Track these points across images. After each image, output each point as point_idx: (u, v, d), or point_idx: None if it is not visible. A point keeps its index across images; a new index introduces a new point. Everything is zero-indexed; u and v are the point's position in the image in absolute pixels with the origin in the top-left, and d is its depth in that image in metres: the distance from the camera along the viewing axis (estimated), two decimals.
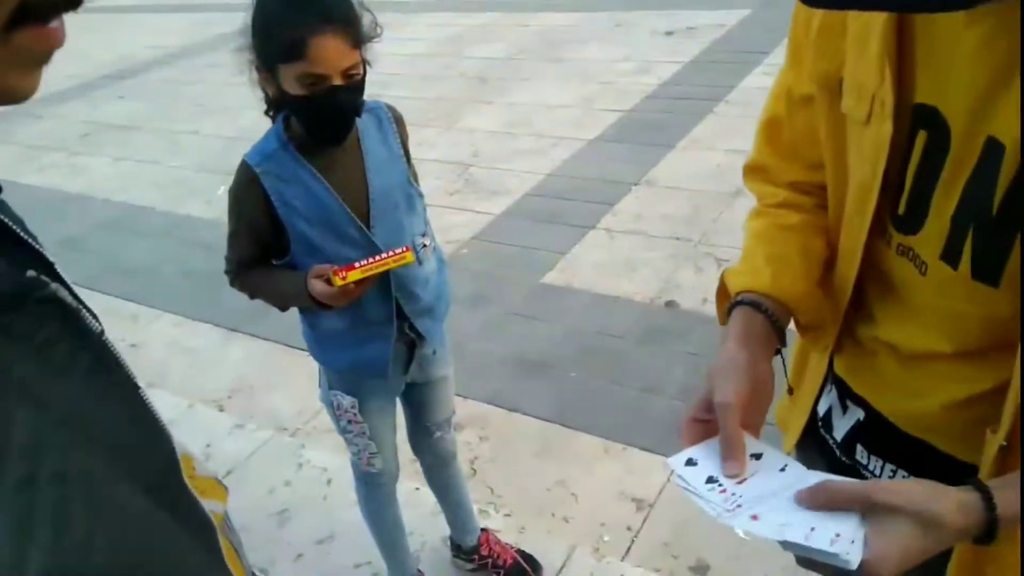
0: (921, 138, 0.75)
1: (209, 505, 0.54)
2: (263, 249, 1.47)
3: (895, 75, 0.74)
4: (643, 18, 7.44)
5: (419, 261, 1.51)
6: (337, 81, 1.27)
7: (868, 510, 0.69)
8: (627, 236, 3.74)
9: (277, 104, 1.38)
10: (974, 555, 0.82)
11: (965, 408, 0.81)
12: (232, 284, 1.51)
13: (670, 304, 3.15)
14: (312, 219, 1.41)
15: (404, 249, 1.34)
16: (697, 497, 0.76)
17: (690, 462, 0.78)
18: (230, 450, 2.57)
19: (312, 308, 1.42)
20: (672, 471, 0.79)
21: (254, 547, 2.15)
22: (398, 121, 1.51)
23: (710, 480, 0.76)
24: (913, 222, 0.79)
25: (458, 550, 2.05)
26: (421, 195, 1.56)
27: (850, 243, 0.86)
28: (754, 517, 0.72)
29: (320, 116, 1.32)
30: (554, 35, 7.36)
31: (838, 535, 0.68)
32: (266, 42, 1.29)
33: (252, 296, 1.51)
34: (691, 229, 3.70)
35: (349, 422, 1.66)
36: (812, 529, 0.69)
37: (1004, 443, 0.75)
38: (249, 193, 1.40)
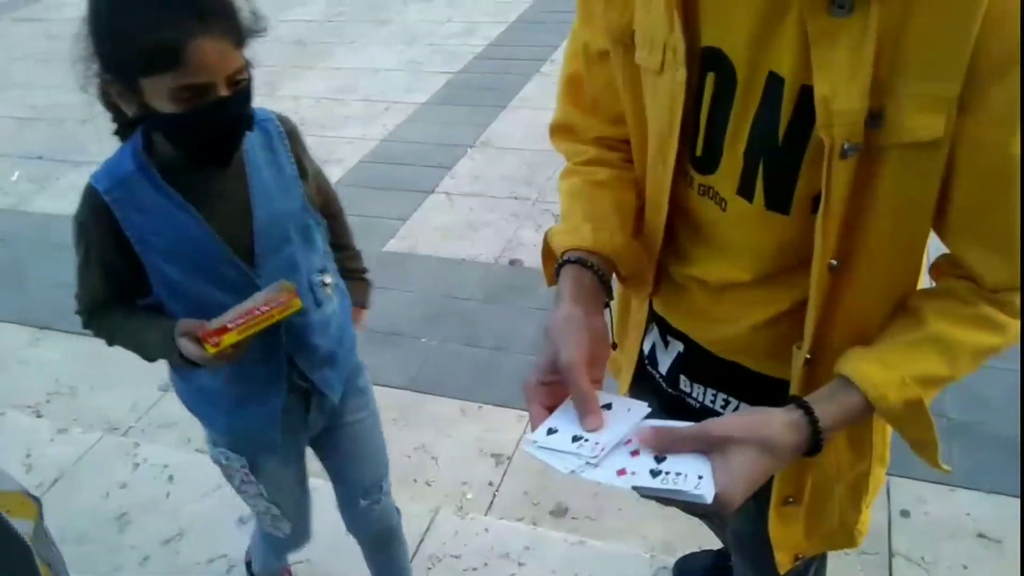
0: (710, 80, 0.79)
1: (19, 524, 0.48)
2: (120, 287, 1.21)
3: (683, 22, 0.77)
4: None
5: (317, 303, 1.29)
6: (222, 91, 1.04)
7: (709, 447, 0.72)
8: (467, 199, 3.75)
9: (137, 122, 1.12)
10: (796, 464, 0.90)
11: (769, 328, 0.88)
12: (85, 327, 1.25)
13: (514, 263, 3.21)
14: (178, 258, 1.17)
15: (288, 295, 1.14)
16: (558, 461, 0.76)
17: (551, 431, 0.78)
18: (55, 457, 2.33)
19: (183, 366, 1.18)
20: (528, 443, 0.78)
21: (94, 556, 1.98)
22: (291, 134, 1.26)
23: (576, 439, 0.77)
24: (710, 162, 0.83)
25: None
26: (320, 223, 1.31)
27: (656, 190, 0.90)
28: (621, 472, 0.74)
29: (204, 135, 1.08)
30: None
31: (686, 475, 0.71)
32: (119, 50, 1.03)
33: (110, 343, 1.25)
34: (529, 188, 3.77)
35: (242, 482, 1.40)
36: (665, 473, 0.72)
37: (808, 356, 0.83)
38: (98, 224, 1.14)
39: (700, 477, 0.71)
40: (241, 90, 1.07)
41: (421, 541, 1.99)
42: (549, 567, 1.91)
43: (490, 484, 2.25)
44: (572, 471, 0.74)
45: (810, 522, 0.99)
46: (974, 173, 0.70)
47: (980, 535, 1.97)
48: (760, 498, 0.97)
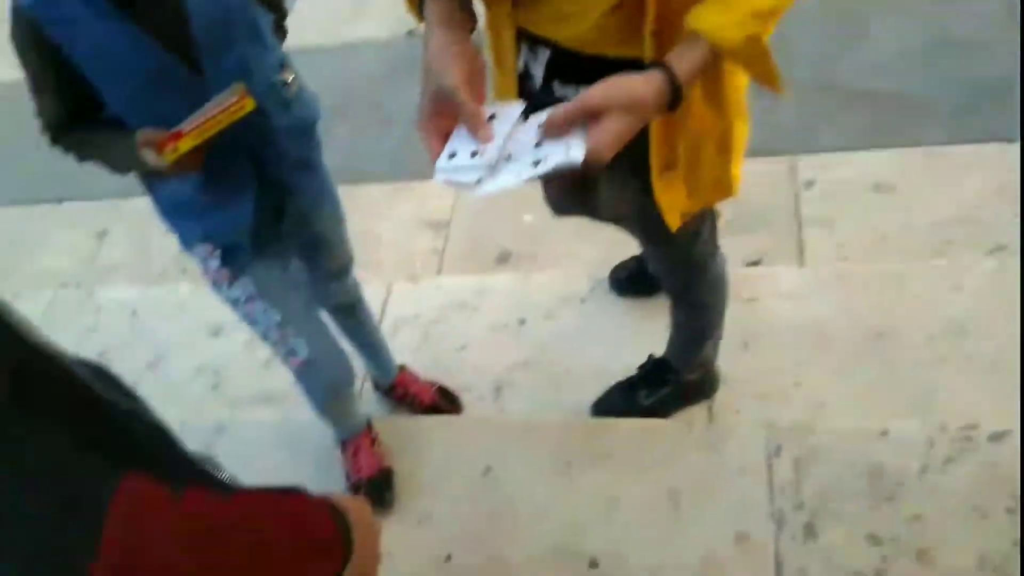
0: None
1: None
2: (77, 104, 1.17)
3: None
4: None
5: (284, 105, 1.25)
6: None
7: (586, 117, 0.80)
8: None
9: None
10: (664, 121, 1.00)
11: (616, 13, 0.93)
12: (53, 145, 1.22)
13: (411, 33, 3.12)
14: (120, 71, 1.12)
15: (239, 96, 1.08)
16: (462, 176, 0.84)
17: (452, 156, 0.85)
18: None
19: (150, 176, 1.18)
20: (436, 173, 0.85)
21: None
22: None
23: (473, 154, 0.84)
24: None
25: (377, 387, 1.94)
26: (266, 15, 1.22)
27: None
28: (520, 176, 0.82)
29: None
30: None
31: (559, 150, 0.81)
32: None
33: (80, 160, 1.23)
34: None
35: (228, 285, 1.37)
36: (545, 156, 0.81)
37: (654, 28, 0.90)
38: (34, 44, 1.10)
39: (569, 147, 0.80)
40: None
41: (383, 311, 2.15)
42: (500, 304, 2.09)
43: (434, 251, 2.39)
44: (478, 180, 0.82)
45: (689, 183, 1.12)
46: None
47: (876, 186, 2.17)
48: (642, 175, 1.09)
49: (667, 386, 1.72)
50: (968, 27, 2.49)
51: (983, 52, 2.40)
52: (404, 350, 1.98)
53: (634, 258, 1.96)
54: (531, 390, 1.91)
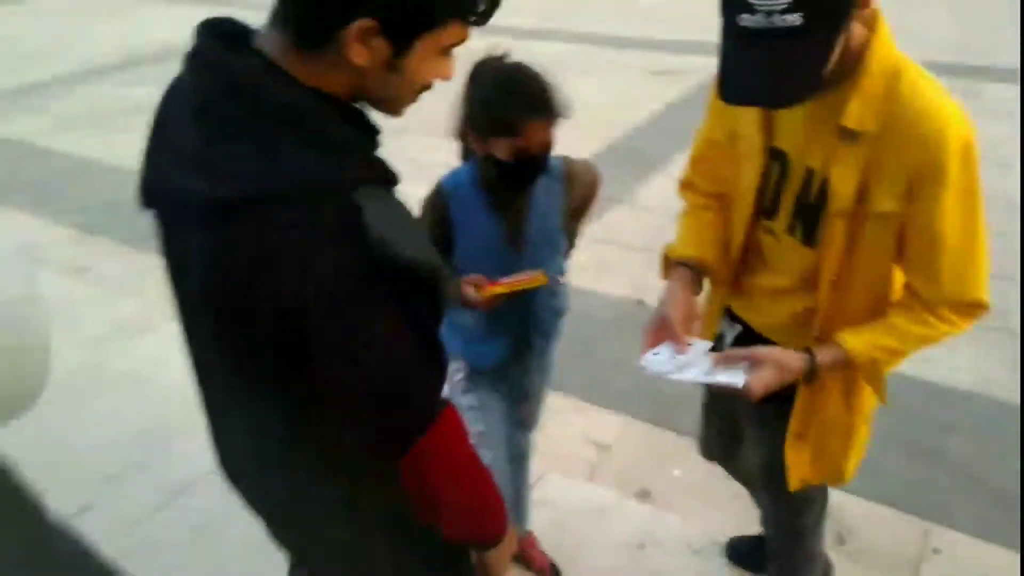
0: (776, 166, 1.38)
1: None
2: (436, 247, 1.74)
3: (763, 130, 1.36)
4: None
5: (552, 293, 1.81)
6: (536, 152, 1.56)
7: (751, 364, 1.29)
8: (601, 245, 4.37)
9: (476, 156, 1.66)
10: (807, 399, 1.43)
11: (796, 318, 1.43)
12: None
13: (640, 303, 3.78)
14: (477, 241, 1.70)
15: (539, 273, 1.64)
16: (658, 367, 1.34)
17: (655, 354, 1.38)
18: None
19: (456, 304, 1.68)
20: (642, 360, 1.38)
21: None
22: (568, 176, 1.74)
23: (671, 356, 1.36)
24: (772, 212, 1.41)
25: None
26: (567, 247, 1.85)
27: (739, 226, 1.49)
28: (691, 374, 1.32)
29: (519, 175, 1.61)
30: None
31: (727, 375, 1.29)
32: (483, 116, 1.56)
33: None
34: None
35: (461, 393, 1.84)
36: (718, 374, 1.30)
37: (816, 335, 1.37)
38: (436, 206, 1.71)
39: (735, 374, 1.28)
40: (548, 151, 1.60)
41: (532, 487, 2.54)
42: (629, 528, 2.42)
43: (590, 463, 2.80)
44: (663, 372, 1.33)
45: (814, 455, 1.50)
46: (913, 234, 1.24)
47: None
48: (778, 436, 1.50)
49: None
50: None
51: None
52: (535, 519, 2.34)
53: (757, 536, 2.24)
54: None
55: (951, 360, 3.36)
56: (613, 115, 6.41)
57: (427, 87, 0.96)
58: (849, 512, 2.60)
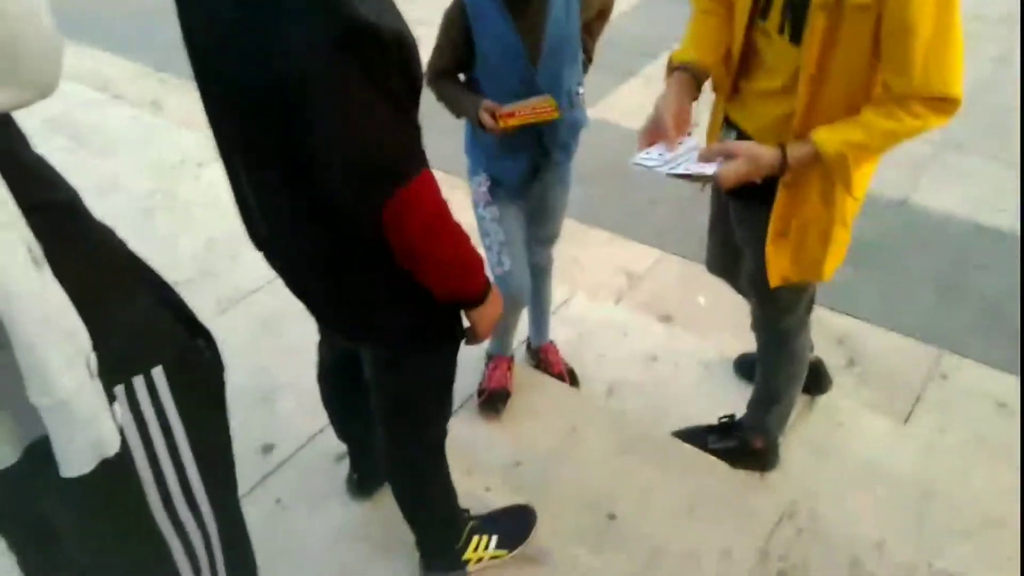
0: None
1: None
2: (456, 60, 1.80)
3: None
4: None
5: (571, 104, 1.85)
6: None
7: (725, 157, 1.38)
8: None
9: None
10: (787, 200, 1.52)
11: (781, 119, 1.48)
12: (427, 85, 1.62)
13: None
14: (495, 51, 1.73)
15: (550, 107, 1.72)
16: (648, 164, 1.44)
17: (647, 154, 1.48)
18: None
19: (477, 127, 1.79)
20: (633, 157, 1.47)
21: None
22: None
23: (660, 155, 1.46)
24: (766, 12, 1.45)
25: (528, 347, 2.49)
26: (585, 58, 1.90)
27: (739, 29, 1.53)
28: (673, 170, 1.42)
29: None
30: None
31: (703, 168, 1.39)
32: None
33: (438, 99, 1.83)
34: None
35: (484, 205, 1.98)
36: (697, 166, 1.40)
37: (797, 133, 1.44)
38: (456, 20, 1.75)
39: (709, 168, 1.38)
40: None
41: (560, 305, 2.72)
42: (646, 344, 2.59)
43: (619, 289, 2.95)
44: (652, 167, 1.43)
45: (793, 253, 1.60)
46: (888, 28, 1.27)
47: (1000, 404, 2.40)
48: (762, 237, 1.60)
49: (732, 440, 2.11)
50: None
51: None
52: (559, 334, 2.54)
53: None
54: (637, 402, 2.38)
55: (996, 201, 3.29)
56: None
57: None
58: (864, 338, 2.70)
